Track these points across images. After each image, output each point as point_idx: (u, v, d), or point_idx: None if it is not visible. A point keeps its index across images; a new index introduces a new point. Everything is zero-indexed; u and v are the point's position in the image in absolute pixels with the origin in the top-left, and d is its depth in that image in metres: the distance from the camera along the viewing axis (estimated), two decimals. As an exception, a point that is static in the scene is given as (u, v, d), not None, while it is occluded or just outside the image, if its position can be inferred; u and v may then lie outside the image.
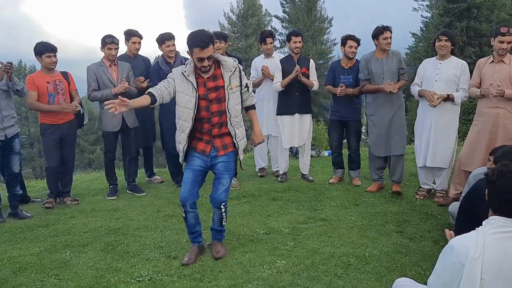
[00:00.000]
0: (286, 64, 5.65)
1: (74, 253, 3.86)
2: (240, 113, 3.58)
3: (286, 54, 6.07)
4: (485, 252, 1.94)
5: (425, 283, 2.25)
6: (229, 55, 5.42)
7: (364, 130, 7.95)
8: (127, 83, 5.28)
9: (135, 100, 3.39)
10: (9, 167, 4.84)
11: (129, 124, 5.49)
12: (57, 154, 5.21)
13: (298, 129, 5.83)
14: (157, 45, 5.68)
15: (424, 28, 30.64)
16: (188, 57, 3.45)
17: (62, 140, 5.21)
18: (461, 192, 4.34)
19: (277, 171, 6.29)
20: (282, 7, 37.56)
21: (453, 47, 4.85)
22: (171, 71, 3.54)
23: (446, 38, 4.79)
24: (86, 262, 3.66)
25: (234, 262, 3.56)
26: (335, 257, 3.59)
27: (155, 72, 5.60)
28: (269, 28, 34.22)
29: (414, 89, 5.01)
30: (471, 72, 4.81)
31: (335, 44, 35.82)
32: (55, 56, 5.08)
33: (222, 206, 3.59)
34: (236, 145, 3.58)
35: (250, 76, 6.14)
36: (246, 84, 3.58)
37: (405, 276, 3.00)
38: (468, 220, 2.85)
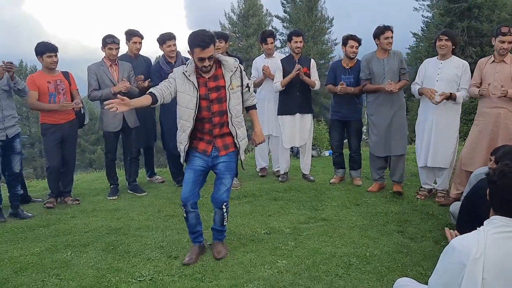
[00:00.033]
0: (287, 64, 5.65)
1: (75, 253, 3.86)
2: (241, 113, 3.58)
3: (287, 54, 6.07)
4: (487, 252, 1.94)
5: (426, 283, 2.25)
6: (229, 55, 5.41)
7: (365, 130, 7.96)
8: (128, 82, 5.28)
9: (136, 99, 3.39)
10: (10, 167, 4.84)
11: (130, 124, 5.49)
12: (58, 154, 5.22)
13: (299, 129, 5.83)
14: (158, 45, 5.68)
15: (425, 28, 30.61)
16: (189, 57, 3.44)
17: (63, 140, 5.21)
18: (462, 192, 4.34)
19: (278, 171, 6.29)
20: (283, 7, 37.57)
21: (454, 47, 4.85)
22: (172, 71, 3.53)
23: (446, 37, 4.79)
24: (87, 262, 3.66)
25: (235, 262, 3.55)
26: (336, 257, 3.59)
27: (156, 72, 5.60)
28: (270, 28, 34.21)
29: (414, 88, 5.01)
30: (472, 72, 4.81)
31: (336, 44, 35.83)
32: (56, 56, 5.08)
33: (223, 206, 3.59)
34: (237, 145, 3.57)
35: (251, 76, 6.14)
36: (247, 84, 3.58)
37: (406, 276, 3.00)
38: (469, 220, 2.85)
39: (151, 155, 6.61)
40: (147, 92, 3.37)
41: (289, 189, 5.61)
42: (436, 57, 4.96)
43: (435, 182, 5.19)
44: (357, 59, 5.59)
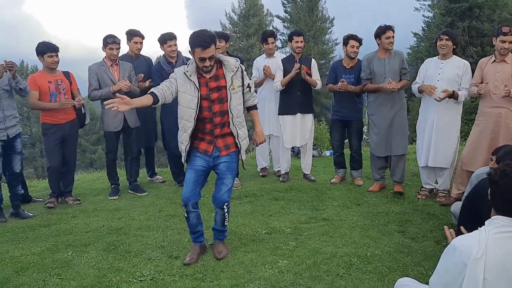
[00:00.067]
0: (288, 64, 5.65)
1: (76, 252, 3.86)
2: (243, 113, 3.58)
3: (288, 54, 6.07)
4: (488, 252, 1.93)
5: (427, 283, 2.24)
6: (230, 55, 5.42)
7: (365, 130, 7.95)
8: (128, 81, 5.28)
9: (137, 99, 3.40)
10: (11, 167, 4.84)
11: (130, 124, 5.49)
12: (59, 154, 5.22)
13: (300, 129, 5.83)
14: (159, 45, 5.68)
15: (426, 28, 30.57)
16: (190, 57, 3.44)
17: (63, 140, 5.21)
18: (463, 192, 4.33)
19: (279, 171, 6.29)
20: (284, 7, 37.57)
21: (454, 47, 4.84)
22: (173, 71, 3.53)
23: (447, 37, 4.78)
24: (88, 261, 3.66)
25: (236, 262, 3.56)
26: (337, 257, 3.59)
27: (157, 72, 5.60)
28: (271, 28, 34.17)
29: (415, 87, 5.02)
30: (473, 72, 4.80)
31: (336, 44, 35.81)
32: (57, 56, 5.08)
33: (224, 206, 3.59)
34: (239, 145, 3.57)
35: (252, 76, 6.15)
36: (248, 84, 3.57)
37: (407, 276, 2.99)
38: (471, 220, 2.84)
39: (152, 155, 6.62)
40: (148, 92, 3.37)
41: (290, 189, 5.61)
42: (437, 56, 4.96)
43: (436, 182, 5.18)
44: (358, 59, 5.59)
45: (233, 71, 3.43)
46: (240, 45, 35.40)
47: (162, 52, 5.79)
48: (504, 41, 4.43)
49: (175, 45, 5.61)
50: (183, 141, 3.48)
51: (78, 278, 3.37)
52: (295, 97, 5.71)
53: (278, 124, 5.93)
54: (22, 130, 5.12)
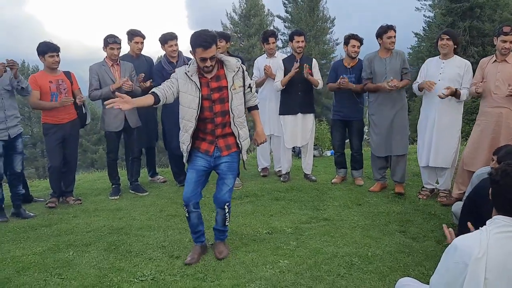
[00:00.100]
0: (289, 64, 5.65)
1: (77, 252, 3.87)
2: (244, 114, 3.57)
3: (289, 54, 6.07)
4: (489, 252, 1.93)
5: (428, 283, 2.24)
6: (231, 55, 5.42)
7: (366, 130, 7.95)
8: (129, 80, 5.28)
9: (139, 99, 3.41)
10: (12, 167, 4.85)
11: (131, 124, 5.49)
12: (60, 154, 5.22)
13: (301, 128, 5.82)
14: (159, 45, 5.68)
15: (427, 28, 30.54)
16: (191, 57, 3.44)
17: (64, 139, 5.22)
18: (464, 192, 4.32)
19: (279, 171, 6.29)
20: (285, 7, 37.59)
21: (455, 46, 4.84)
22: (173, 71, 3.54)
23: (447, 37, 4.78)
24: (89, 261, 3.67)
25: (236, 262, 3.56)
26: (338, 256, 3.59)
27: (157, 72, 5.61)
28: (272, 28, 34.16)
29: (415, 86, 5.01)
30: (474, 71, 4.80)
31: (337, 44, 35.83)
32: (58, 55, 5.09)
33: (225, 207, 3.59)
34: (240, 146, 3.57)
35: (253, 76, 6.14)
36: (249, 84, 3.57)
37: (408, 276, 2.99)
38: (472, 220, 2.84)
39: (153, 155, 6.62)
40: (149, 92, 3.37)
41: (291, 189, 5.61)
42: (438, 56, 4.95)
43: (437, 182, 5.18)
44: (358, 59, 5.59)
45: (234, 71, 3.43)
46: (241, 45, 35.41)
47: (163, 52, 5.79)
48: (505, 41, 4.42)
49: (176, 45, 5.61)
50: (185, 141, 3.48)
51: (79, 278, 3.37)
52: (296, 97, 5.71)
53: (279, 124, 5.93)
54: (23, 130, 5.12)
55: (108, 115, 5.38)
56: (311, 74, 5.65)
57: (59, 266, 3.58)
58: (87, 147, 34.26)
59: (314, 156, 6.45)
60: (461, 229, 3.00)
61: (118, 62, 5.44)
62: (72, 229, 4.47)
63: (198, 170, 3.53)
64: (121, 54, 5.55)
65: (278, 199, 5.21)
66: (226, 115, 3.45)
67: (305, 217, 4.58)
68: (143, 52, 6.03)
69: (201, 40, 3.20)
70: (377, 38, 5.19)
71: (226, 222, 3.68)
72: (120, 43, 5.39)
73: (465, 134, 6.67)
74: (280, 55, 6.19)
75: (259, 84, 6.07)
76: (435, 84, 4.69)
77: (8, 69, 4.61)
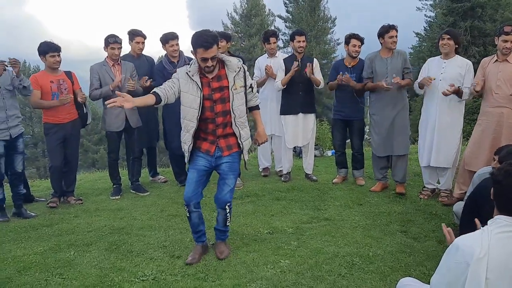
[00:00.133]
0: (290, 64, 5.64)
1: (78, 252, 3.87)
2: (245, 114, 3.57)
3: (290, 54, 6.07)
4: (490, 252, 1.93)
5: (429, 283, 2.24)
6: (232, 55, 5.42)
7: (367, 130, 7.95)
8: (131, 79, 5.29)
9: (140, 98, 3.41)
10: (12, 167, 4.86)
11: (132, 124, 5.49)
12: (61, 154, 5.23)
13: (302, 128, 5.82)
14: (161, 44, 5.68)
15: (428, 28, 30.54)
16: (192, 56, 3.44)
17: (65, 139, 5.22)
18: (465, 192, 4.32)
19: (280, 170, 6.29)
20: (286, 7, 37.60)
21: (457, 46, 4.83)
22: (174, 71, 3.54)
23: (449, 36, 4.78)
24: (90, 261, 3.67)
25: (237, 262, 3.55)
26: (339, 256, 3.59)
27: (158, 71, 5.61)
28: (273, 28, 34.16)
29: (416, 85, 5.01)
30: (475, 71, 4.79)
31: (338, 44, 35.82)
32: (59, 55, 5.09)
33: (226, 207, 3.58)
34: (241, 146, 3.57)
35: (254, 75, 6.14)
36: (251, 84, 3.57)
37: (409, 276, 2.99)
38: (473, 220, 2.84)
39: (154, 155, 6.62)
40: (151, 92, 3.37)
41: (292, 189, 5.61)
42: (440, 56, 4.95)
43: (438, 182, 5.17)
44: (359, 58, 5.59)
45: (235, 71, 3.43)
46: (242, 45, 35.41)
47: (164, 52, 5.80)
48: (506, 41, 4.42)
49: (177, 44, 5.61)
50: (186, 141, 3.48)
51: (80, 278, 3.37)
52: (297, 97, 5.71)
53: (280, 124, 5.92)
54: (24, 130, 5.13)
55: (109, 115, 5.39)
56: (312, 73, 5.65)
57: (60, 266, 3.58)
58: (88, 147, 34.30)
59: (315, 156, 6.45)
60: (463, 229, 2.99)
61: (119, 62, 5.44)
62: (73, 229, 4.47)
63: (199, 170, 3.53)
64: (122, 54, 5.55)
65: (279, 199, 5.21)
66: (227, 115, 3.45)
67: (306, 217, 4.57)
68: (144, 52, 6.03)
69: (202, 40, 3.20)
70: (378, 38, 5.19)
71: (227, 222, 3.68)
72: (121, 43, 5.39)
73: (466, 134, 6.65)
74: (281, 55, 6.18)
75: (260, 84, 6.06)
76: (434, 79, 4.69)
77: (9, 69, 4.61)
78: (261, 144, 3.80)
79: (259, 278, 3.27)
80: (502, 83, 4.46)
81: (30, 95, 4.94)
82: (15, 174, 4.89)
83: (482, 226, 2.07)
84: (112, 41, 5.31)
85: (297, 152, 7.63)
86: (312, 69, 5.61)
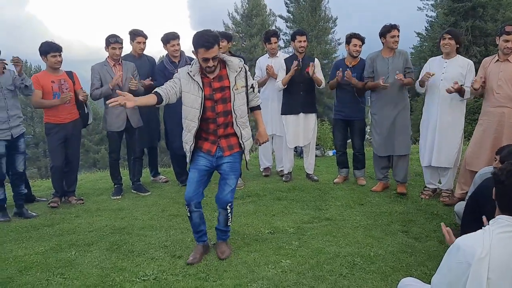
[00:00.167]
0: (291, 64, 5.64)
1: (79, 252, 3.87)
2: (246, 114, 3.57)
3: (291, 54, 6.07)
4: (492, 252, 1.93)
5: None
6: (233, 55, 5.41)
7: (368, 130, 7.94)
8: (135, 81, 5.29)
9: (142, 97, 3.42)
10: (14, 167, 4.86)
11: (133, 124, 5.50)
12: (62, 154, 5.23)
13: (303, 128, 5.82)
14: (162, 44, 5.68)
15: (429, 28, 30.51)
16: (193, 56, 3.44)
17: (66, 139, 5.22)
18: (466, 192, 4.32)
19: (281, 170, 6.29)
20: (287, 7, 37.56)
21: (458, 46, 4.83)
22: (176, 71, 3.54)
23: (450, 36, 4.78)
24: (91, 261, 3.67)
25: (239, 262, 3.55)
26: (340, 256, 3.58)
27: (160, 71, 5.61)
28: (274, 27, 34.17)
29: (417, 84, 5.01)
30: (476, 71, 4.79)
31: (339, 44, 35.81)
32: (60, 55, 5.09)
33: (228, 207, 3.58)
34: (242, 146, 3.57)
35: (255, 75, 6.14)
36: (252, 84, 3.57)
37: (410, 276, 2.99)
38: (474, 219, 2.83)
39: (155, 155, 6.62)
40: (152, 92, 3.37)
41: (293, 188, 5.60)
42: (441, 56, 4.95)
43: (439, 182, 5.16)
44: (360, 58, 5.58)
45: (236, 72, 3.43)
46: (243, 45, 35.42)
47: (165, 52, 5.80)
48: (507, 41, 4.41)
49: (178, 44, 5.61)
50: (188, 141, 3.48)
51: (82, 278, 3.37)
52: (298, 97, 5.71)
53: (281, 124, 5.92)
54: (26, 130, 5.14)
55: (110, 115, 5.39)
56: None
57: (61, 266, 3.58)
58: (89, 147, 34.32)
59: (316, 156, 6.45)
60: (464, 229, 2.99)
61: (120, 62, 5.45)
62: (74, 229, 4.47)
63: (200, 170, 3.53)
64: (123, 54, 5.56)
65: (280, 199, 5.21)
66: (228, 115, 3.45)
67: (307, 217, 4.57)
68: (145, 52, 6.03)
69: (203, 40, 3.20)
70: (380, 37, 5.19)
71: (228, 222, 3.68)
72: (121, 43, 5.39)
73: (468, 134, 6.65)
74: (282, 55, 6.18)
75: (261, 84, 6.06)
76: (433, 74, 4.68)
77: (11, 69, 4.61)
78: (262, 144, 3.80)
79: (260, 278, 3.27)
80: (503, 83, 4.46)
81: (32, 95, 4.94)
82: (16, 174, 4.89)
83: (483, 226, 2.07)
84: (113, 41, 5.32)
85: (298, 152, 7.62)
86: (313, 69, 5.61)
